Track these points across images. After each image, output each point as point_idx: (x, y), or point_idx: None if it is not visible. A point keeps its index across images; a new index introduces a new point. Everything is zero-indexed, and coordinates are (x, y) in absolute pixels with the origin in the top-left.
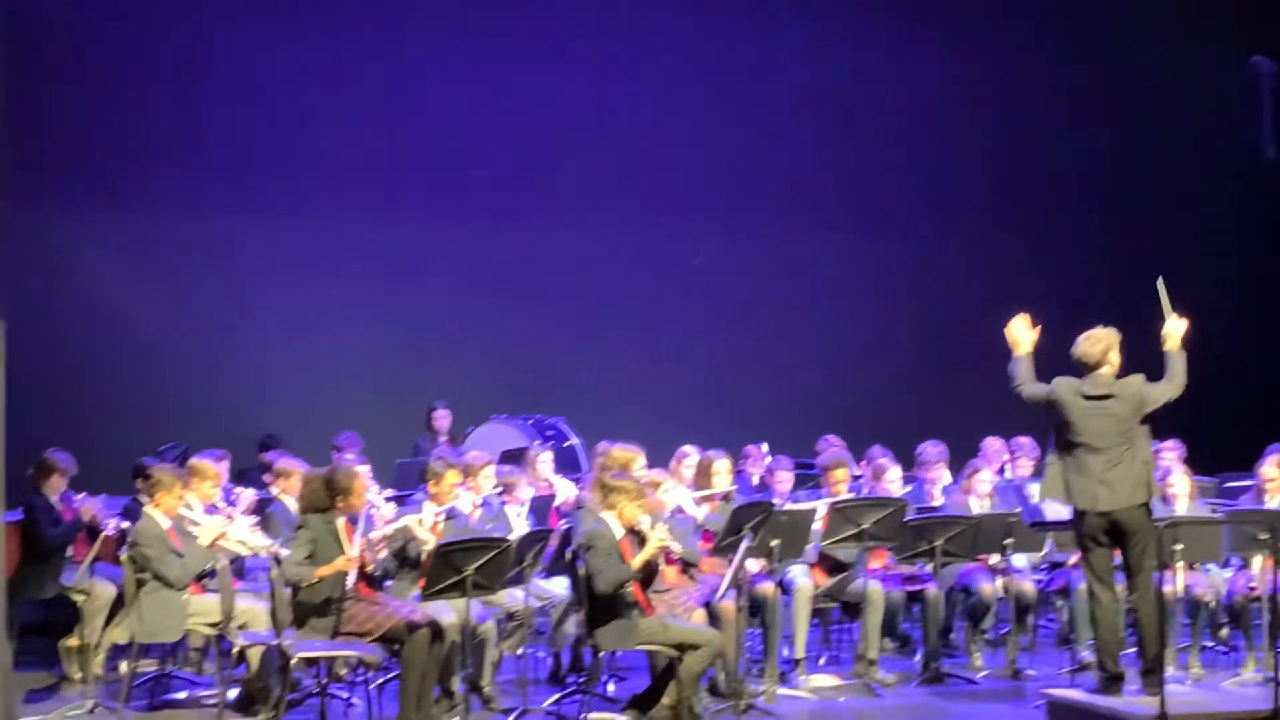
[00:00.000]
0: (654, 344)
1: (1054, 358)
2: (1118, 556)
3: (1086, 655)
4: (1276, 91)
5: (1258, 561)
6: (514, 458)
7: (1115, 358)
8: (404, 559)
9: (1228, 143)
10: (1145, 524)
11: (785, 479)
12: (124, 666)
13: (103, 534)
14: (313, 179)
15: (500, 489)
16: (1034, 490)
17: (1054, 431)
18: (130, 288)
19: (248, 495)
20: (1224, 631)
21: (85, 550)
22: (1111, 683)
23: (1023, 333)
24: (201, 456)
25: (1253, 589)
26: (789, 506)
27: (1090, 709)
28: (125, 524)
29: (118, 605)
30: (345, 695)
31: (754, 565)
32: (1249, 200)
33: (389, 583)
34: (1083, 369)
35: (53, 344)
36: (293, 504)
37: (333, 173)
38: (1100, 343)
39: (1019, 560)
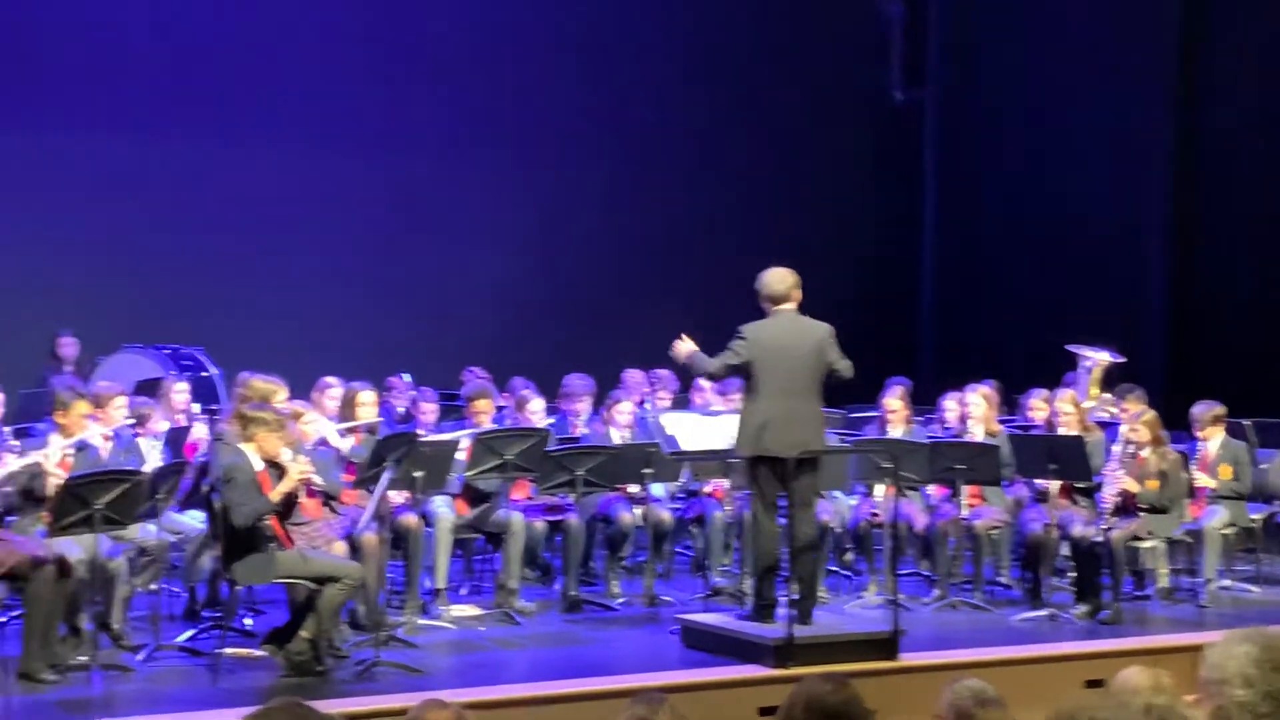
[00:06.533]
0: (298, 273)
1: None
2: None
3: (719, 581)
4: (904, 36)
5: (880, 489)
6: (149, 389)
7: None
8: (29, 494)
9: (857, 86)
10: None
11: (430, 410)
12: None
13: None
14: None
15: (133, 421)
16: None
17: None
18: None
19: None
20: (848, 556)
21: None
22: (766, 610)
23: (685, 346)
24: None
25: (875, 515)
26: (432, 438)
27: (720, 632)
28: None
29: None
30: None
31: (397, 497)
32: (879, 142)
33: (11, 519)
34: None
35: None
36: None
37: None
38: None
39: (657, 489)
